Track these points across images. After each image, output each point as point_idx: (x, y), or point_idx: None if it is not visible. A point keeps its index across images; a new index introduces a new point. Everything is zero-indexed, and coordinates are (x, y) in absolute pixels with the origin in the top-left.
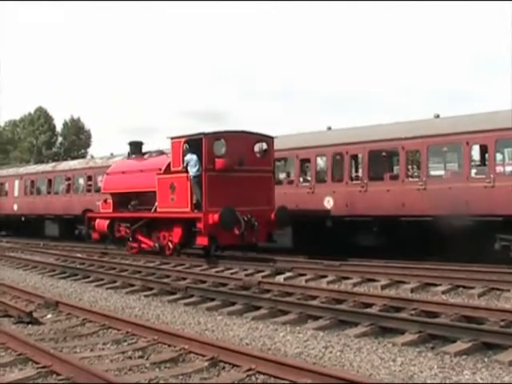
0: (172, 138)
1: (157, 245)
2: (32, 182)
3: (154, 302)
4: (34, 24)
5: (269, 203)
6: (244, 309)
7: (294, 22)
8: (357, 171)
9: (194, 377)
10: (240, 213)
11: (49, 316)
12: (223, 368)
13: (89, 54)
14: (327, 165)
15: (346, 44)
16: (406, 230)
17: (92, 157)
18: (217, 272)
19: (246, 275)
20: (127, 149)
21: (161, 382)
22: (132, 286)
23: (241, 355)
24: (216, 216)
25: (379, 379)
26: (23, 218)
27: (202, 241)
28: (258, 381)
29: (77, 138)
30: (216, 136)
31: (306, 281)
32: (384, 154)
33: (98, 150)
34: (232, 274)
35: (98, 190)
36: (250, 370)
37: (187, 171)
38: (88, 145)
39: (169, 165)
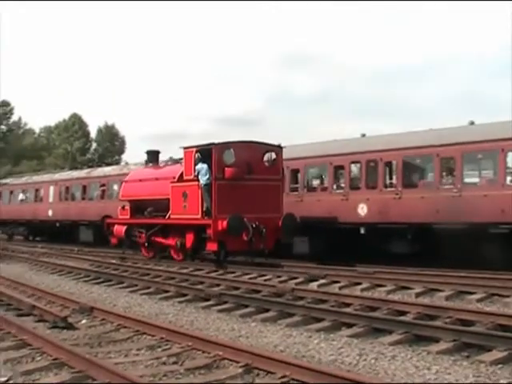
0: (184, 148)
1: (178, 243)
2: (67, 188)
3: (188, 308)
4: (68, 31)
5: (277, 211)
6: (278, 316)
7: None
8: (391, 178)
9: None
10: (248, 220)
11: (83, 321)
12: (257, 375)
13: (123, 60)
14: (361, 172)
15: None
16: (440, 237)
17: (126, 163)
18: (250, 279)
19: (280, 282)
20: (161, 156)
21: None
22: (166, 292)
23: (275, 362)
24: (224, 223)
25: None
26: (58, 224)
27: (211, 246)
28: None
29: (111, 145)
30: (225, 146)
31: (340, 288)
32: (418, 160)
33: (131, 156)
34: (265, 280)
35: None
36: (284, 376)
37: (198, 180)
38: (122, 151)
39: (182, 173)
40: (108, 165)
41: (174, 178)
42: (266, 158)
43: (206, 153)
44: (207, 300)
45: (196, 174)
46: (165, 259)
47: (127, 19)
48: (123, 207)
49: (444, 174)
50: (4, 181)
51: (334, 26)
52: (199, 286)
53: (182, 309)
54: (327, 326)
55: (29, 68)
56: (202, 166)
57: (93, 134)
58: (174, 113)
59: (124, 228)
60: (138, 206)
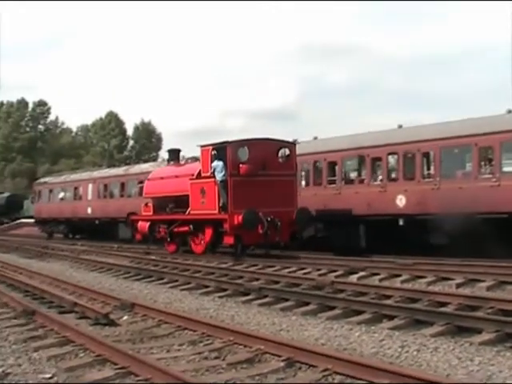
0: (201, 146)
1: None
2: (105, 185)
3: (228, 302)
4: (104, 29)
5: (291, 205)
6: (318, 309)
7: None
8: (429, 169)
9: (270, 377)
10: (263, 214)
11: (125, 317)
12: (299, 368)
13: (158, 57)
14: (398, 163)
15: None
16: (479, 227)
17: (163, 160)
18: (290, 272)
19: (319, 275)
20: (198, 151)
21: (237, 382)
22: (206, 287)
23: (317, 355)
24: (240, 217)
25: (457, 379)
26: (97, 221)
27: (228, 240)
28: (335, 381)
29: (148, 141)
30: (239, 144)
31: (380, 280)
32: (456, 150)
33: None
34: (305, 274)
35: None
36: (326, 370)
37: (214, 176)
38: (159, 148)
39: (200, 171)
40: (145, 162)
41: (193, 175)
42: (280, 154)
43: (221, 150)
44: (247, 294)
45: (212, 170)
46: (186, 253)
47: (162, 16)
48: (146, 204)
49: (482, 163)
50: (43, 180)
51: (370, 15)
52: (239, 281)
53: (223, 304)
54: (368, 318)
55: (64, 67)
56: (218, 164)
57: (129, 132)
58: (210, 108)
59: (147, 224)
60: (160, 203)
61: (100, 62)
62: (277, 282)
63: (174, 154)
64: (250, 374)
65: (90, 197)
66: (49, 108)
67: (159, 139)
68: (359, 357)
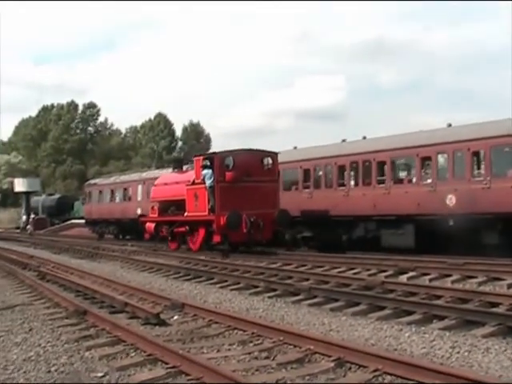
0: (194, 156)
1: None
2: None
3: (278, 303)
4: (152, 30)
5: (273, 207)
6: (368, 309)
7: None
8: (479, 168)
9: (320, 377)
10: (247, 215)
11: (175, 317)
12: (349, 368)
13: (205, 58)
14: (448, 162)
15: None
16: None
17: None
18: (339, 272)
19: (369, 275)
20: None
21: (288, 382)
22: (255, 287)
23: (367, 356)
24: (224, 218)
25: (510, 380)
26: None
27: (216, 238)
28: (385, 381)
29: (196, 143)
30: (225, 154)
31: (430, 280)
32: (507, 149)
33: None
34: (355, 274)
35: None
36: (376, 370)
37: (205, 183)
38: (208, 149)
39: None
40: None
41: (189, 181)
42: (264, 162)
43: (210, 160)
44: (297, 295)
45: (202, 177)
46: (187, 251)
47: (210, 16)
48: (153, 207)
49: None
50: (93, 181)
51: (421, 12)
52: (288, 281)
53: (272, 304)
54: (418, 318)
55: (114, 70)
56: (207, 172)
57: (178, 133)
58: (258, 109)
59: (153, 225)
60: (164, 206)
61: (149, 63)
62: (326, 283)
63: (178, 163)
64: (300, 374)
65: (139, 198)
66: (98, 110)
67: (208, 140)
68: (410, 357)
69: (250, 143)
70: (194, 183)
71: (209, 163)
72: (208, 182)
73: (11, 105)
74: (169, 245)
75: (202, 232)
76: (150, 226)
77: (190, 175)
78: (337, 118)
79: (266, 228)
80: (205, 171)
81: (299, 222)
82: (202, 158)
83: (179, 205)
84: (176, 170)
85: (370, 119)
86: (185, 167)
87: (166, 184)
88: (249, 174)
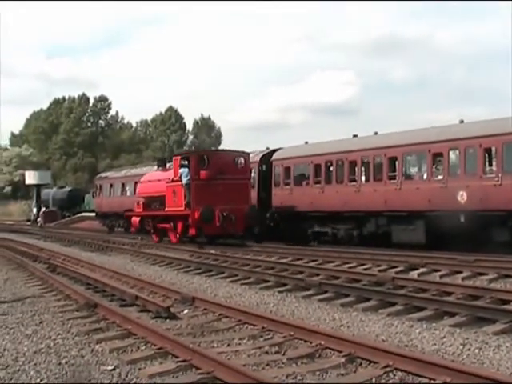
0: (173, 156)
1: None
2: None
3: (288, 297)
4: (162, 24)
5: (245, 203)
6: (379, 305)
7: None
8: (491, 165)
9: (330, 373)
10: (220, 210)
11: (186, 311)
12: (360, 364)
13: (217, 52)
14: (460, 159)
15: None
16: None
17: None
18: (350, 268)
19: (380, 271)
20: (257, 147)
21: (298, 377)
22: (266, 281)
23: (378, 351)
24: (198, 212)
25: None
26: None
27: (192, 231)
28: (396, 378)
29: (207, 137)
30: (200, 154)
31: (441, 276)
32: None
33: (227, 147)
34: (365, 269)
35: None
36: (387, 366)
37: (182, 180)
38: (219, 143)
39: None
40: None
41: (169, 179)
42: (236, 162)
43: (187, 159)
44: (307, 290)
45: (180, 175)
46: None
47: (221, 10)
48: (138, 202)
49: None
50: (104, 174)
51: (434, 9)
52: (299, 276)
53: (283, 298)
54: (429, 315)
55: (125, 63)
56: (184, 170)
57: (189, 127)
58: (271, 103)
59: (138, 219)
60: (148, 202)
61: (160, 57)
62: (337, 278)
63: (161, 162)
64: (311, 369)
65: None
66: (109, 103)
67: (219, 134)
68: (421, 354)
69: (262, 138)
70: (173, 181)
71: (186, 162)
72: (184, 180)
73: (22, 98)
74: (152, 237)
75: (180, 225)
76: (136, 220)
77: (171, 173)
78: (350, 113)
79: (238, 222)
80: (181, 170)
81: (310, 217)
82: (179, 157)
83: (161, 200)
84: (160, 168)
85: (383, 115)
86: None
87: (149, 181)
88: (222, 172)
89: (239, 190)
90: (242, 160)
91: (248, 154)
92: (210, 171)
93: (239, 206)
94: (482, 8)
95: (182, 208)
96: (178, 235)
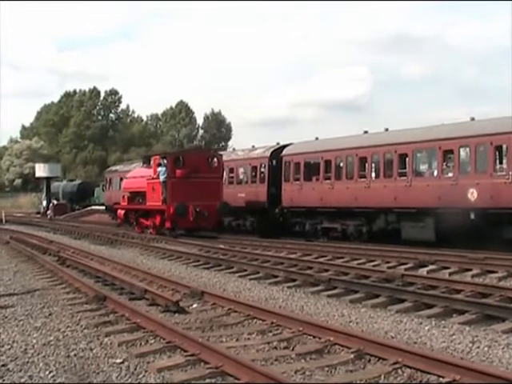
0: (153, 155)
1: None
2: None
3: (297, 293)
4: (173, 18)
5: (217, 199)
6: (388, 301)
7: None
8: (501, 162)
9: (339, 369)
10: (193, 206)
11: (194, 305)
12: (369, 361)
13: (228, 47)
14: (471, 156)
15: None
16: None
17: (234, 149)
18: (359, 264)
19: (389, 268)
20: (267, 141)
21: (307, 373)
22: (275, 277)
23: (387, 348)
24: (173, 208)
25: None
26: None
27: (167, 224)
28: (405, 375)
29: (217, 132)
30: (176, 154)
31: (450, 274)
32: None
33: (238, 142)
34: (374, 266)
35: (239, 183)
36: (396, 363)
37: (159, 178)
38: (229, 138)
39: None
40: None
41: (150, 176)
42: (209, 161)
43: (164, 159)
44: (316, 285)
45: (158, 173)
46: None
47: (232, 5)
48: (123, 197)
49: None
50: (114, 167)
51: (448, 5)
52: (308, 272)
53: (292, 294)
54: (438, 312)
55: (135, 57)
56: (162, 169)
57: (199, 121)
58: (281, 99)
59: (123, 212)
60: (132, 196)
61: (171, 51)
62: (346, 274)
63: (146, 159)
64: (320, 364)
65: None
66: (120, 97)
67: (229, 129)
68: (429, 351)
69: (272, 133)
70: (152, 178)
71: (164, 161)
72: (162, 178)
73: (33, 90)
74: (135, 229)
75: (158, 219)
76: (121, 212)
77: (152, 171)
78: (360, 109)
79: (210, 217)
80: (159, 168)
81: (320, 213)
82: (158, 157)
83: (143, 196)
84: (145, 165)
85: (393, 112)
86: None
87: (134, 177)
88: (196, 171)
89: (212, 188)
90: (215, 159)
91: (221, 154)
92: (184, 170)
93: (211, 202)
94: (495, 5)
95: (160, 203)
96: (156, 228)
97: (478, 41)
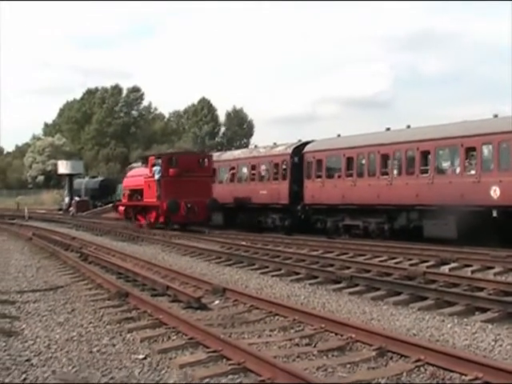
0: (149, 156)
1: (146, 223)
2: None
3: (319, 290)
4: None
5: (206, 196)
6: (409, 299)
7: None
8: None
9: (361, 366)
10: (185, 202)
11: (216, 302)
12: (391, 358)
13: (249, 45)
14: (493, 153)
15: None
16: None
17: (255, 146)
18: (381, 261)
19: (411, 265)
20: (288, 138)
21: (329, 370)
22: (297, 274)
23: (409, 346)
24: (166, 204)
25: None
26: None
27: (161, 219)
28: (427, 372)
29: (239, 129)
30: (169, 156)
31: (472, 272)
32: None
33: (259, 139)
34: (396, 263)
35: (261, 180)
36: (418, 360)
37: (154, 176)
38: (250, 134)
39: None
40: (237, 148)
41: (147, 175)
42: (200, 162)
43: (159, 159)
44: (338, 282)
45: (153, 173)
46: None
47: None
48: (124, 194)
49: None
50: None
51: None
52: (330, 269)
53: (313, 291)
54: (460, 310)
55: (158, 54)
56: (156, 168)
57: (221, 118)
58: (303, 96)
59: (123, 208)
60: (132, 194)
61: (193, 49)
62: (368, 271)
63: (144, 159)
64: (342, 362)
65: None
66: (142, 94)
67: (250, 126)
68: (452, 349)
69: (294, 130)
70: (148, 177)
71: (159, 161)
72: (156, 176)
73: (56, 87)
74: (134, 224)
75: (153, 214)
76: (121, 208)
77: (149, 170)
78: (382, 106)
79: (200, 212)
80: (154, 168)
81: (341, 210)
82: (153, 157)
83: (140, 193)
84: (144, 165)
85: (415, 109)
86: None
87: (133, 176)
88: (188, 170)
89: (202, 186)
90: (205, 160)
91: (211, 155)
92: (177, 170)
93: (201, 199)
94: None
95: (155, 200)
96: (152, 222)
97: (501, 37)
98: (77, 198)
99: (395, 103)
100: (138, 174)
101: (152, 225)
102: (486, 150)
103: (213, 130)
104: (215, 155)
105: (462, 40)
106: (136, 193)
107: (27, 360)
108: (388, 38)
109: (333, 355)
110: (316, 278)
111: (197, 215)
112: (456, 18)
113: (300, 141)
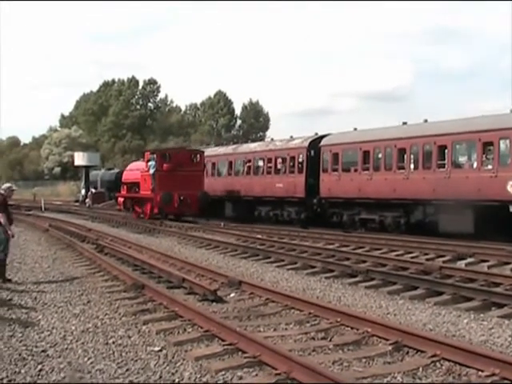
0: (145, 151)
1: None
2: (213, 163)
3: (335, 284)
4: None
5: (198, 189)
6: (426, 294)
7: None
8: None
9: (377, 360)
10: (178, 194)
11: (232, 295)
12: (407, 353)
13: (266, 37)
14: (510, 148)
15: None
16: None
17: (272, 139)
18: (397, 256)
19: (427, 260)
20: (305, 131)
21: (344, 364)
22: (312, 267)
23: (425, 340)
24: (159, 196)
25: None
26: None
27: (155, 210)
28: (443, 367)
29: (255, 121)
30: (163, 152)
31: (489, 267)
32: None
33: (275, 133)
34: (412, 258)
35: (277, 173)
36: (434, 355)
37: (150, 171)
38: (266, 127)
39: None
40: (253, 141)
41: (144, 169)
42: (193, 157)
43: (154, 154)
44: (354, 276)
45: (148, 167)
46: (142, 219)
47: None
48: (123, 187)
49: None
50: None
51: None
52: (346, 262)
53: (329, 284)
54: (477, 305)
55: (174, 47)
56: (151, 163)
57: (237, 111)
58: (320, 89)
59: (122, 200)
60: (130, 186)
61: (210, 41)
62: (384, 265)
63: (142, 155)
64: (357, 356)
65: None
66: (158, 86)
67: (266, 119)
68: (468, 344)
69: (310, 123)
70: (144, 171)
71: (154, 156)
72: (151, 171)
73: (73, 80)
74: (132, 215)
75: (148, 206)
76: (121, 200)
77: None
78: (401, 100)
79: (192, 204)
80: (150, 162)
81: (357, 204)
82: (149, 153)
83: (138, 186)
84: (142, 160)
85: (434, 103)
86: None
87: (131, 170)
88: (181, 165)
89: (194, 180)
90: (197, 156)
91: (203, 151)
92: (171, 164)
93: (193, 192)
94: None
95: (149, 192)
96: (147, 213)
97: None
98: (93, 190)
99: (414, 97)
100: (136, 168)
101: (147, 216)
102: (503, 145)
103: (229, 122)
104: (231, 148)
105: (482, 34)
106: (134, 185)
107: (43, 351)
108: (409, 33)
109: (348, 349)
110: (332, 271)
111: (189, 207)
112: (476, 12)
113: (316, 134)
